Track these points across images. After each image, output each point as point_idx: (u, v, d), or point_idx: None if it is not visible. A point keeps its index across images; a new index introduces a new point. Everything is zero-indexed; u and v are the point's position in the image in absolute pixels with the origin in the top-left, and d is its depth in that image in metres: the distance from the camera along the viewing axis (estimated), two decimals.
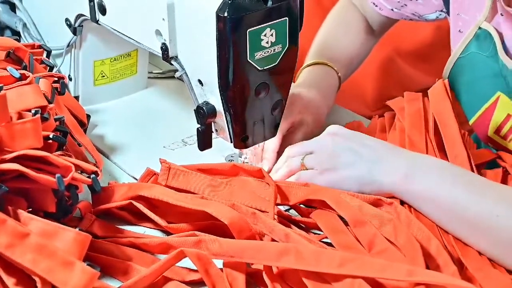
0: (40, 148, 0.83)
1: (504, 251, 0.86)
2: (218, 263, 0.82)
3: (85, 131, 1.07)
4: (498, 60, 1.03)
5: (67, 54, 1.18)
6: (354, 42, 1.29)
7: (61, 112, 0.98)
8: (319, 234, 0.91)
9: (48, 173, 0.82)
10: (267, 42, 0.88)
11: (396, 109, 1.09)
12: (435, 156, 0.99)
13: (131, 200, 0.92)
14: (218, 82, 0.89)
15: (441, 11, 1.19)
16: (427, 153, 1.00)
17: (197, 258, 0.80)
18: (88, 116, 1.11)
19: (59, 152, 0.88)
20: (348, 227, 0.89)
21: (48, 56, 1.12)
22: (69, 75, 1.19)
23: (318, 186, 0.94)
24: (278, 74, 0.92)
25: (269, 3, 0.87)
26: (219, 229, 0.87)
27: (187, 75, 0.95)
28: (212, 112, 0.94)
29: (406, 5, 1.23)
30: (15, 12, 1.25)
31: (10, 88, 0.90)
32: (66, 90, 1.03)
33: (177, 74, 0.96)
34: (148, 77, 1.30)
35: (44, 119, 0.87)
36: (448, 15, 1.14)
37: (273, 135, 0.99)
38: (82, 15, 1.10)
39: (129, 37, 1.03)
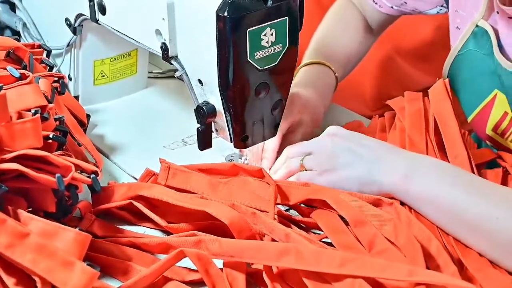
0: (40, 148, 0.83)
1: (504, 253, 0.85)
2: (218, 263, 0.82)
3: (85, 131, 1.07)
4: (493, 58, 1.03)
5: (67, 54, 1.18)
6: (352, 40, 1.29)
7: (61, 112, 0.98)
8: (319, 234, 0.91)
9: (48, 173, 0.82)
10: (267, 42, 0.88)
11: (397, 109, 1.09)
12: (435, 156, 0.99)
13: (131, 200, 0.92)
14: (218, 82, 0.89)
15: (442, 6, 1.19)
16: (427, 153, 1.00)
17: (197, 258, 0.80)
18: (88, 116, 1.10)
19: (59, 152, 0.88)
20: (349, 227, 0.89)
21: (48, 55, 1.12)
22: (69, 75, 1.19)
23: (318, 186, 0.94)
24: (278, 74, 0.92)
25: (269, 3, 0.87)
26: (219, 229, 0.87)
27: (187, 75, 0.95)
28: (212, 112, 0.94)
29: (406, 2, 1.22)
30: (15, 12, 1.25)
31: (10, 88, 0.90)
32: (66, 90, 1.03)
33: (177, 74, 0.96)
34: (148, 77, 1.30)
35: (44, 119, 0.87)
36: (448, 10, 1.14)
37: (273, 135, 0.99)
38: (82, 14, 1.10)
39: (129, 37, 1.02)
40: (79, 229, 0.82)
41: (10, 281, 0.75)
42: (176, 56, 0.95)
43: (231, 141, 0.95)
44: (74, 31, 1.14)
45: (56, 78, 1.03)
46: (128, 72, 1.24)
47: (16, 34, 1.24)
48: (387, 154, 0.94)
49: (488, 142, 1.11)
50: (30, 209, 0.85)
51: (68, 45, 1.16)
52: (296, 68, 0.95)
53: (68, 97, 1.07)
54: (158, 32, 0.95)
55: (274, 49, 0.89)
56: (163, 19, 0.92)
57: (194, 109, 0.95)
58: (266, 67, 0.90)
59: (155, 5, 0.93)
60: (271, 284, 0.80)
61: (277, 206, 0.94)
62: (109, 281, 0.83)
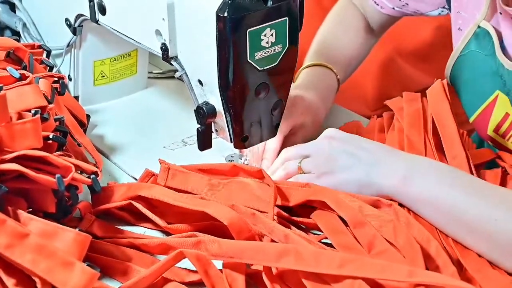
0: (40, 148, 0.83)
1: (503, 254, 0.85)
2: (218, 264, 0.82)
3: (85, 131, 1.07)
4: (495, 59, 1.03)
5: (67, 54, 1.18)
6: (353, 41, 1.29)
7: (61, 112, 0.98)
8: (319, 234, 0.91)
9: (48, 173, 0.82)
10: (267, 42, 0.88)
11: (395, 109, 1.09)
12: (434, 157, 0.99)
13: (130, 201, 0.92)
14: (218, 82, 0.89)
15: (443, 7, 1.19)
16: (425, 153, 1.00)
17: (196, 259, 0.80)
18: (88, 116, 1.10)
19: (59, 152, 0.88)
20: (348, 227, 0.89)
21: (48, 56, 1.12)
22: (69, 75, 1.19)
23: (318, 187, 0.94)
24: (278, 74, 0.92)
25: (269, 3, 0.87)
26: (218, 229, 0.87)
27: (187, 75, 0.95)
28: (212, 112, 0.94)
29: (407, 4, 1.22)
30: (15, 12, 1.25)
31: (10, 88, 0.90)
32: (66, 90, 1.03)
33: (177, 74, 0.96)
34: (148, 77, 1.30)
35: (44, 119, 0.87)
36: (450, 11, 1.14)
37: (273, 135, 0.99)
38: (82, 15, 1.10)
39: (129, 37, 1.02)
40: (79, 230, 0.82)
41: (10, 281, 0.75)
42: (176, 57, 0.95)
43: (231, 142, 0.95)
44: (74, 32, 1.14)
45: (56, 79, 1.03)
46: (128, 72, 1.24)
47: (16, 34, 1.24)
48: (386, 157, 0.94)
49: (490, 143, 1.11)
50: (30, 209, 0.85)
51: (68, 45, 1.16)
52: (296, 69, 0.95)
53: (68, 97, 1.07)
54: (158, 33, 0.95)
55: (274, 49, 0.89)
56: (163, 19, 0.92)
57: (194, 110, 0.95)
58: (266, 67, 0.90)
59: (155, 5, 0.93)
60: (270, 285, 0.80)
61: (277, 207, 0.94)
62: (109, 282, 0.83)
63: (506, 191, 0.92)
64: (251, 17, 0.86)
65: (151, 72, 1.31)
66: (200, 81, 0.93)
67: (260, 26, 0.87)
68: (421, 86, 1.46)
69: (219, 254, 0.81)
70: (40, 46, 1.12)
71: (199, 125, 0.96)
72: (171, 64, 0.95)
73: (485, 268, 0.85)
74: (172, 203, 0.89)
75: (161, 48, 0.95)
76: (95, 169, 0.88)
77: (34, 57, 1.04)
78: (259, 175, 0.96)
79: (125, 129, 1.17)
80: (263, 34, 0.87)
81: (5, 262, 0.75)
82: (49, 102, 0.93)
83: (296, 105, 1.07)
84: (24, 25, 1.22)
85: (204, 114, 0.94)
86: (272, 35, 0.88)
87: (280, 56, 0.90)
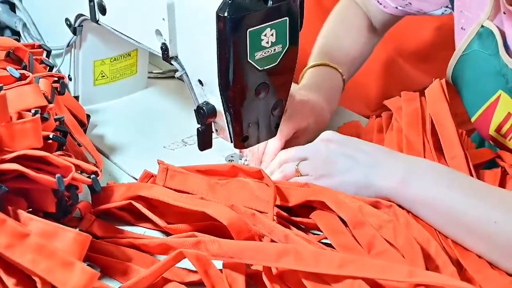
0: (40, 148, 0.83)
1: (502, 255, 0.85)
2: (218, 264, 0.82)
3: (85, 131, 1.07)
4: (499, 58, 1.03)
5: (67, 54, 1.18)
6: (356, 40, 1.29)
7: (61, 112, 0.98)
8: (319, 234, 0.91)
9: (48, 173, 0.82)
10: (267, 42, 0.88)
11: (393, 109, 1.09)
12: (432, 157, 0.99)
13: (130, 201, 0.92)
14: (218, 82, 0.89)
15: (447, 7, 1.19)
16: (424, 153, 1.00)
17: (196, 259, 0.80)
18: (88, 116, 1.10)
19: (59, 152, 0.88)
20: (348, 228, 0.89)
21: (48, 56, 1.12)
22: (69, 75, 1.19)
23: (317, 187, 0.94)
24: (278, 74, 0.92)
25: (269, 3, 0.86)
26: (218, 230, 0.87)
27: (187, 75, 0.95)
28: (212, 112, 0.94)
29: (410, 3, 1.22)
30: (15, 12, 1.25)
31: (10, 88, 0.90)
32: (66, 90, 1.03)
33: (177, 74, 0.96)
34: (148, 77, 1.30)
35: (44, 119, 0.87)
36: (453, 11, 1.14)
37: (273, 135, 0.99)
38: (82, 15, 1.10)
39: (129, 37, 1.02)
40: (79, 230, 0.82)
41: (10, 281, 0.75)
42: (176, 57, 0.95)
43: (231, 142, 0.95)
44: (74, 31, 1.13)
45: (56, 78, 1.03)
46: (128, 72, 1.24)
47: (16, 34, 1.24)
48: (384, 159, 0.94)
49: (491, 142, 1.11)
50: (30, 209, 0.85)
51: (68, 45, 1.16)
52: (296, 69, 0.95)
53: (68, 97, 1.07)
54: (158, 32, 0.95)
55: (274, 49, 0.89)
56: (163, 19, 0.92)
57: (194, 110, 0.95)
58: (266, 67, 0.90)
59: (155, 5, 0.93)
60: (270, 285, 0.80)
61: (276, 207, 0.94)
62: (109, 282, 0.83)
63: (505, 192, 0.92)
64: (251, 17, 0.86)
65: (151, 72, 1.31)
66: (200, 81, 0.93)
67: (260, 26, 0.86)
68: (422, 87, 1.45)
69: (219, 254, 0.81)
70: (40, 46, 1.12)
71: (199, 125, 0.96)
72: (171, 64, 0.95)
73: (485, 269, 0.85)
74: (172, 203, 0.89)
75: (161, 48, 0.95)
76: (95, 169, 0.88)
77: (34, 57, 1.04)
78: (258, 175, 0.96)
79: (125, 129, 1.16)
80: (263, 34, 0.87)
81: (5, 262, 0.75)
82: (49, 102, 0.93)
83: (300, 109, 1.06)
84: (24, 25, 1.22)
85: (204, 114, 0.94)
86: (272, 35, 0.88)
87: (280, 56, 0.90)
